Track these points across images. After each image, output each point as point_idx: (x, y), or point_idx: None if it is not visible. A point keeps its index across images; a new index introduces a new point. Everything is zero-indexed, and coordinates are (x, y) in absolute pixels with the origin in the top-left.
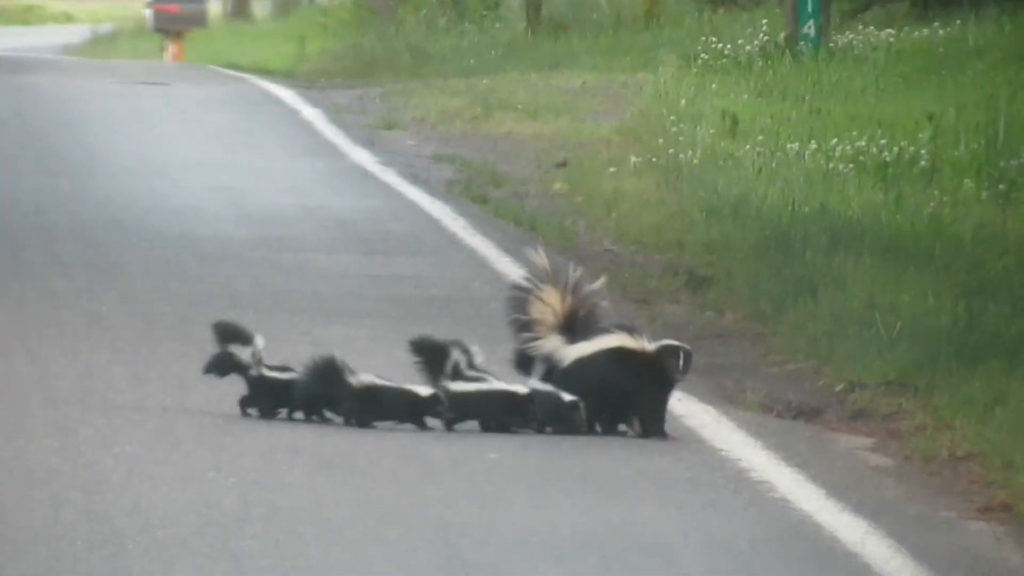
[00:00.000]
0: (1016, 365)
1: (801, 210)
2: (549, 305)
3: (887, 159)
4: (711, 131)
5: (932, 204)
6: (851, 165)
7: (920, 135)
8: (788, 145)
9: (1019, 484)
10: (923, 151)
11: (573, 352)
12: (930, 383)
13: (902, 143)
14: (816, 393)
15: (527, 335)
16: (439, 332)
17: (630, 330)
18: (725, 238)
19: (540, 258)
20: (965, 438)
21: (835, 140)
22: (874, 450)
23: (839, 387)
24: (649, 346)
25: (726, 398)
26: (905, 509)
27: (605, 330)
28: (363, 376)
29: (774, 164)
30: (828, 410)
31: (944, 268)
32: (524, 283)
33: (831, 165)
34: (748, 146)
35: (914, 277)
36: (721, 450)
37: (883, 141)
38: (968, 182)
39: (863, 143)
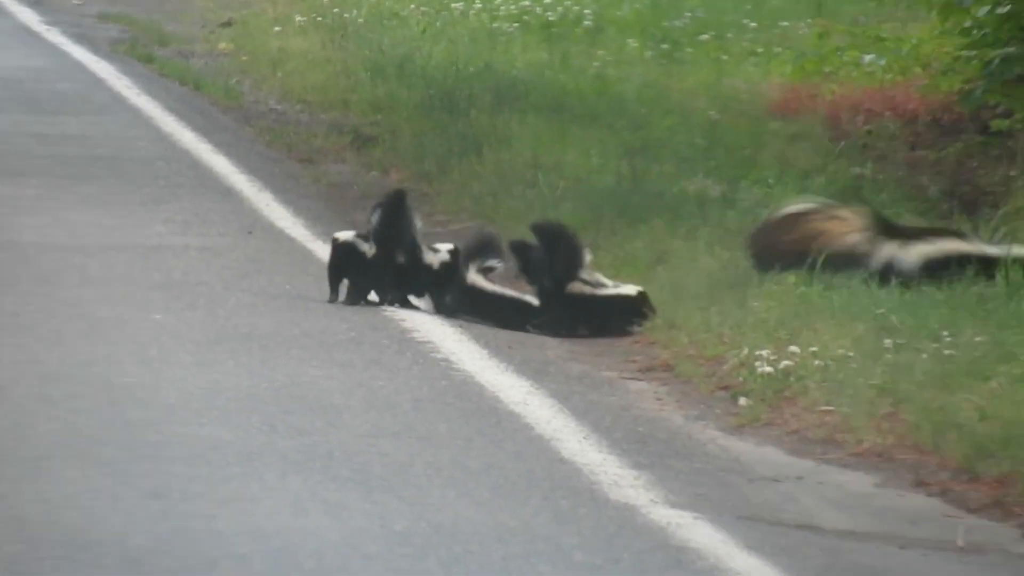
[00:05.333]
0: (678, 224)
1: (466, 69)
2: (844, 221)
3: (551, 18)
4: None
5: (596, 64)
6: (516, 24)
7: None
8: (453, 4)
9: (680, 344)
10: (587, 11)
11: (917, 252)
12: (594, 242)
13: (567, 3)
14: None
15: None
16: (104, 190)
17: (960, 235)
18: (390, 97)
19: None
20: None
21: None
22: None
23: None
24: (990, 250)
25: None
26: (568, 369)
27: (938, 232)
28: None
29: (439, 23)
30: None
31: (608, 127)
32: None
33: (496, 24)
34: (413, 5)
35: (578, 136)
36: (384, 310)
37: (548, 0)
38: (632, 41)
39: (528, 2)
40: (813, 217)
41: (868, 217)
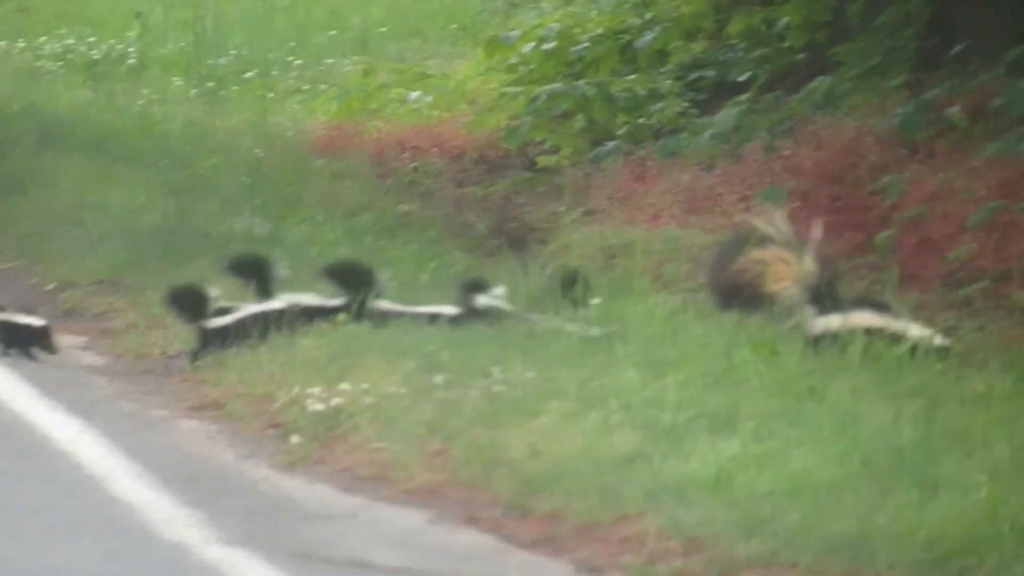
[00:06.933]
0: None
1: (10, 109)
2: (788, 267)
3: (95, 57)
4: None
5: (141, 102)
6: (60, 63)
7: (128, 33)
8: None
9: (229, 382)
10: (131, 49)
11: (823, 324)
12: (140, 282)
13: (111, 41)
14: (27, 292)
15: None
16: None
17: (880, 307)
18: None
19: (781, 223)
20: (176, 336)
21: (44, 38)
22: (86, 348)
23: (50, 286)
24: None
25: None
26: (119, 407)
27: (856, 304)
28: None
29: None
30: (40, 309)
31: (153, 166)
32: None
33: (39, 63)
34: None
35: (124, 175)
36: None
37: (92, 39)
38: (177, 79)
39: (72, 41)
40: (767, 251)
41: (813, 269)
